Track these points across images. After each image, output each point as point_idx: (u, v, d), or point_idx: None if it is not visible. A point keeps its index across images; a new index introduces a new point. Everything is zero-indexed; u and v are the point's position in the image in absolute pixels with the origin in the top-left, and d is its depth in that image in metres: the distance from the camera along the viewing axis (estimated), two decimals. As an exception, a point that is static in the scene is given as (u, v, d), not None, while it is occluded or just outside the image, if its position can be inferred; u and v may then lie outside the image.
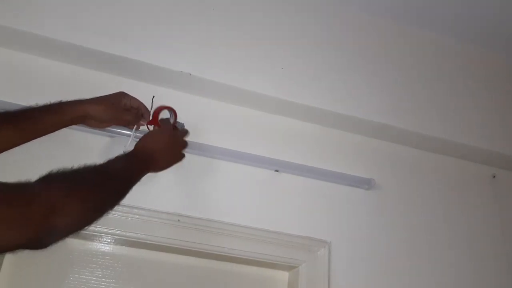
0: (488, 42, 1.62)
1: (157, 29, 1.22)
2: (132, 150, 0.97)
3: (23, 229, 0.61)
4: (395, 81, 1.45)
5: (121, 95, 1.06)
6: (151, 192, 1.11)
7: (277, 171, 1.26)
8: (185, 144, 1.11)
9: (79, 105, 0.99)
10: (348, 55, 1.43)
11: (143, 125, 1.11)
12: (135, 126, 1.10)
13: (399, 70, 1.48)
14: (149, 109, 1.13)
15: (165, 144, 1.03)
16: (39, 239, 0.64)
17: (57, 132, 0.98)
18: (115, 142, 1.11)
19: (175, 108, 1.16)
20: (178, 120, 1.18)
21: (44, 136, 0.96)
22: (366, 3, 1.48)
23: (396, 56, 1.50)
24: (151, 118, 1.12)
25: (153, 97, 1.14)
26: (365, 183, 1.32)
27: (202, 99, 1.28)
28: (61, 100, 0.98)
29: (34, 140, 0.95)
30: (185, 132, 1.15)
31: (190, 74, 1.19)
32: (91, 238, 1.08)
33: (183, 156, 1.10)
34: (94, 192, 0.75)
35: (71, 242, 1.08)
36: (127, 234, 1.06)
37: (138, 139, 1.02)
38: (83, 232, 0.74)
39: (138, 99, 1.09)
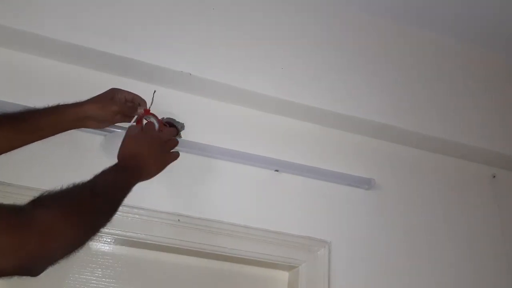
0: (488, 42, 1.62)
1: (157, 29, 1.22)
2: (118, 162, 0.91)
3: (16, 256, 0.59)
4: (395, 81, 1.45)
5: (114, 91, 1.05)
6: (151, 192, 1.11)
7: (277, 171, 1.26)
8: (174, 143, 1.04)
9: (78, 107, 0.98)
10: (348, 55, 1.43)
11: (141, 113, 1.07)
12: (135, 117, 1.07)
13: (399, 70, 1.48)
14: (150, 103, 1.12)
15: (149, 147, 0.96)
16: (33, 266, 0.62)
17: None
18: (116, 136, 1.08)
19: (172, 109, 1.16)
20: (178, 120, 1.18)
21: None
22: (366, 3, 1.48)
23: (396, 56, 1.50)
24: (135, 122, 1.07)
25: (154, 92, 1.14)
26: (365, 183, 1.32)
27: (202, 99, 1.27)
28: (59, 103, 0.98)
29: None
30: (172, 132, 1.09)
31: (190, 74, 1.19)
32: (91, 238, 1.08)
33: (175, 156, 1.03)
34: (88, 213, 0.73)
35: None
36: (127, 234, 1.06)
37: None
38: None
39: (130, 91, 1.07)
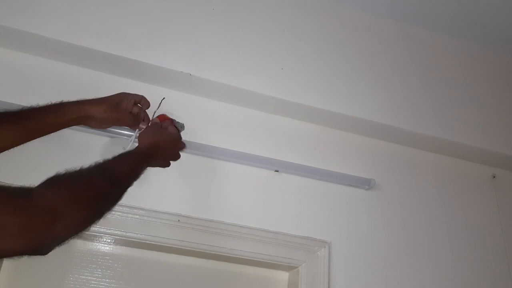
0: (488, 42, 1.62)
1: (157, 29, 1.22)
2: (141, 148, 0.98)
3: (25, 235, 0.60)
4: (395, 81, 1.45)
5: (123, 96, 1.06)
6: (151, 192, 1.11)
7: (277, 171, 1.26)
8: (183, 145, 1.10)
9: (80, 106, 0.98)
10: (348, 55, 1.43)
11: (142, 128, 1.10)
12: (137, 130, 1.09)
13: (399, 70, 1.48)
14: (156, 109, 1.13)
15: (170, 142, 1.05)
16: (42, 246, 0.64)
17: (57, 132, 0.97)
18: (115, 143, 1.11)
19: (172, 109, 1.17)
20: (178, 120, 1.18)
21: (44, 136, 0.96)
22: (366, 3, 1.48)
23: (396, 56, 1.50)
24: (150, 119, 1.12)
25: (163, 98, 1.14)
26: (365, 183, 1.32)
27: (202, 99, 1.28)
28: (62, 101, 0.98)
29: (35, 140, 0.95)
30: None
31: (190, 74, 1.19)
32: (91, 238, 1.08)
33: (179, 156, 1.09)
34: (99, 196, 0.74)
35: (71, 243, 1.07)
36: (127, 234, 1.06)
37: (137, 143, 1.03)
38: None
39: (138, 94, 1.09)
